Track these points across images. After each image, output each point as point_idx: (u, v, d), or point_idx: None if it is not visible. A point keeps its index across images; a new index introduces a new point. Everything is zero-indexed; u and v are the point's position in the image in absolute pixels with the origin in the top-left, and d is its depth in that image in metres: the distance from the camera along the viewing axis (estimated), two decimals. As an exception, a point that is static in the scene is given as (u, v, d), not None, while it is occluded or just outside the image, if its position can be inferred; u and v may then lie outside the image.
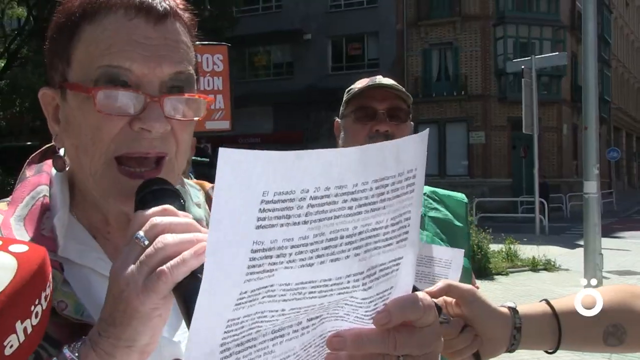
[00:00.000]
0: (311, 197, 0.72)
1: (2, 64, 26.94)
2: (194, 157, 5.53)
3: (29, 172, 1.09)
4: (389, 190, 0.80)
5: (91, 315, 0.94)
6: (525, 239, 15.39)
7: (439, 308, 1.11)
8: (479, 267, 12.07)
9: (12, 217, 1.00)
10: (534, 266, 13.44)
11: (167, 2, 1.01)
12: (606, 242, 12.04)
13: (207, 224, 1.14)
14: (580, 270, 10.44)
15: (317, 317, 0.84)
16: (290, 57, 35.20)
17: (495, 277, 12.62)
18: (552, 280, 12.13)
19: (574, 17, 33.38)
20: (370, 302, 0.86)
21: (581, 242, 11.61)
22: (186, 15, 1.05)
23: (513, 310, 1.28)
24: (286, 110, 32.85)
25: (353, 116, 2.11)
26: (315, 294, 0.79)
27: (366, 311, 0.87)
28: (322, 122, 31.42)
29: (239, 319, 0.73)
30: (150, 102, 0.96)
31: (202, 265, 0.70)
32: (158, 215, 0.84)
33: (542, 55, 19.85)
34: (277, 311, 0.77)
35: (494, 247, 13.91)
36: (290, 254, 0.73)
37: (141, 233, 0.82)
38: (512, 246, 14.29)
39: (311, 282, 0.77)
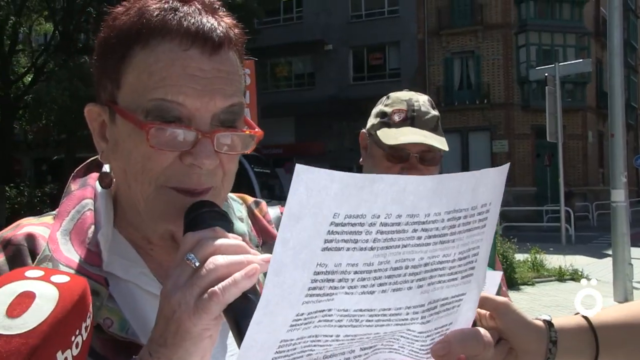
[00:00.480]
0: (381, 223, 0.70)
1: (30, 79, 27.47)
2: (256, 169, 5.60)
3: (74, 186, 1.10)
4: (460, 223, 0.78)
5: (135, 332, 0.95)
6: (551, 249, 15.22)
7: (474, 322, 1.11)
8: (505, 277, 11.94)
9: (59, 231, 1.01)
10: (561, 276, 13.26)
11: (221, 28, 0.98)
12: (635, 251, 11.85)
13: (250, 239, 1.15)
14: (609, 281, 10.28)
15: (370, 347, 0.82)
16: (311, 67, 35.39)
17: (521, 287, 12.47)
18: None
19: (599, 23, 33.15)
20: (427, 336, 0.85)
21: (609, 252, 11.46)
22: (237, 33, 1.03)
23: (548, 323, 1.25)
24: (308, 121, 32.97)
25: (383, 152, 2.08)
26: (373, 322, 0.77)
27: (422, 345, 0.86)
28: (344, 132, 31.47)
29: (292, 340, 0.72)
30: (202, 139, 0.95)
31: (254, 286, 0.71)
32: (208, 237, 0.85)
33: (566, 63, 19.69)
34: (331, 336, 0.76)
35: (520, 256, 13.75)
36: (353, 280, 0.71)
37: (192, 254, 0.83)
38: (537, 256, 14.13)
39: (370, 310, 0.75)
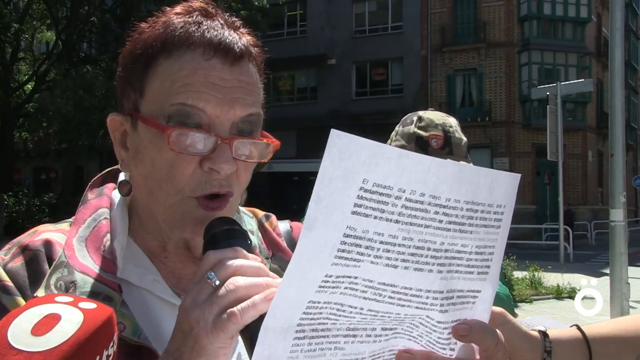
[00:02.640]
0: (406, 198, 0.73)
1: (30, 87, 27.46)
2: None
3: (91, 195, 1.12)
4: (478, 216, 0.81)
5: (148, 337, 0.96)
6: (549, 267, 15.19)
7: None
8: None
9: (75, 237, 1.03)
10: (559, 294, 13.25)
11: (242, 42, 1.02)
12: (633, 271, 11.83)
13: (260, 251, 1.17)
14: (607, 299, 10.26)
15: (391, 329, 0.85)
16: (314, 81, 35.42)
17: (519, 304, 12.44)
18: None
19: (600, 43, 33.25)
20: (445, 328, 0.87)
21: (607, 271, 11.42)
22: (257, 51, 1.07)
23: (543, 333, 1.27)
24: (310, 135, 32.94)
25: None
26: (395, 300, 0.80)
27: (439, 337, 0.88)
28: (345, 146, 31.39)
29: (319, 302, 0.75)
30: (221, 144, 0.97)
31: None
32: (229, 257, 0.86)
33: (568, 82, 19.73)
34: (355, 308, 0.78)
35: (518, 274, 13.73)
36: (378, 249, 0.74)
37: (213, 273, 0.84)
38: (536, 273, 14.11)
39: (392, 285, 0.78)
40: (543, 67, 31.23)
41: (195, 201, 0.99)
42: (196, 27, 1.00)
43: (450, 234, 0.79)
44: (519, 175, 0.86)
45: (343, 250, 0.72)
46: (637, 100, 41.68)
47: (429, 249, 0.78)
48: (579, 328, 1.33)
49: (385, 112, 27.75)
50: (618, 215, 10.12)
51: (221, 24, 1.03)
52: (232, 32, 1.02)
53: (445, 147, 2.13)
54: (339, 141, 0.69)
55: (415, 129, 2.18)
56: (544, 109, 19.47)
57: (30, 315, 0.79)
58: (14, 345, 0.74)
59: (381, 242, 0.74)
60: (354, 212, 0.71)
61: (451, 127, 2.18)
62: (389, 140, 2.25)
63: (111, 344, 0.82)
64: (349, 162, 0.69)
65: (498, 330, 0.91)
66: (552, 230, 25.09)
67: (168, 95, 0.97)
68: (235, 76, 1.00)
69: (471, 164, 2.08)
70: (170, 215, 1.01)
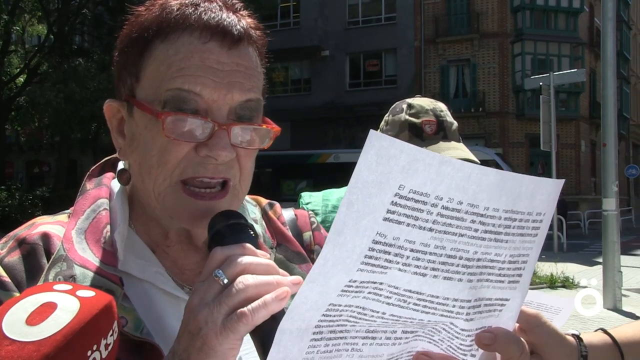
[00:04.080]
0: (443, 206, 0.71)
1: (22, 80, 27.28)
2: None
3: (89, 185, 1.09)
4: (516, 225, 0.78)
5: (150, 332, 0.93)
6: (543, 256, 15.23)
7: None
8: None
9: (74, 229, 1.00)
10: (552, 283, 13.28)
11: (241, 24, 0.99)
12: (625, 259, 11.89)
13: (264, 240, 1.14)
14: (599, 288, 10.32)
15: (412, 332, 0.83)
16: (308, 73, 35.31)
17: (513, 294, 12.49)
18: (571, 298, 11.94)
19: (593, 33, 33.24)
20: (468, 335, 0.85)
21: (600, 260, 11.48)
22: (258, 34, 1.04)
23: (578, 338, 1.26)
24: (304, 127, 32.91)
25: None
26: (419, 307, 0.78)
27: (461, 344, 0.86)
28: (340, 138, 31.44)
29: (340, 306, 0.73)
30: (218, 130, 0.94)
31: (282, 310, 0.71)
32: (238, 254, 0.83)
33: (561, 72, 19.71)
34: (377, 312, 0.76)
35: (512, 264, 13.74)
36: (408, 257, 0.72)
37: (221, 271, 0.81)
38: (530, 263, 14.13)
39: (419, 293, 0.76)
40: (536, 58, 31.21)
41: (184, 192, 0.96)
42: (193, 9, 0.97)
43: (485, 243, 0.76)
44: (562, 181, 0.83)
45: (370, 257, 0.70)
46: (629, 90, 41.75)
47: (460, 258, 0.75)
48: (605, 332, 1.32)
49: (379, 103, 27.65)
50: (610, 204, 10.18)
51: (219, 5, 0.99)
52: (230, 14, 0.99)
53: (439, 132, 2.12)
54: (377, 143, 0.65)
55: (407, 117, 2.16)
56: (537, 100, 19.49)
57: (27, 304, 0.77)
58: (8, 334, 0.74)
59: (411, 250, 0.71)
60: (385, 219, 0.68)
61: (442, 111, 2.16)
62: (379, 130, 2.24)
63: (110, 332, 0.80)
64: (387, 167, 0.66)
65: (523, 340, 0.88)
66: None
67: (163, 80, 0.95)
68: (233, 59, 0.96)
69: (463, 145, 2.10)
70: (163, 204, 0.98)
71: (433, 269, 0.74)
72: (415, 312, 0.78)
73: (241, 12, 1.03)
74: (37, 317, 0.76)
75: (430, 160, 0.68)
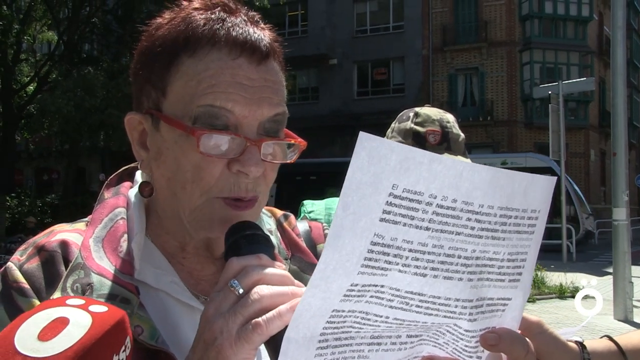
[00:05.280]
0: (437, 204, 0.71)
1: (32, 89, 27.50)
2: None
3: (107, 194, 1.10)
4: (511, 222, 0.79)
5: (165, 341, 0.94)
6: (552, 266, 15.17)
7: None
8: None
9: (91, 238, 1.00)
10: (562, 293, 13.22)
11: (266, 40, 0.99)
12: (636, 270, 11.82)
13: (279, 251, 1.14)
14: (610, 299, 10.25)
15: (416, 336, 0.83)
16: (315, 81, 35.44)
17: (522, 304, 12.44)
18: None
19: (602, 42, 33.22)
20: (472, 337, 0.85)
21: (610, 270, 11.42)
22: (278, 47, 1.04)
23: (581, 344, 1.24)
24: (311, 135, 32.72)
25: None
26: (422, 308, 0.78)
27: (466, 345, 0.86)
28: (347, 147, 31.44)
29: (343, 311, 0.73)
30: (250, 146, 0.95)
31: None
32: (253, 264, 0.84)
33: (570, 81, 19.70)
34: (381, 317, 0.77)
35: (521, 273, 13.69)
36: (407, 257, 0.72)
37: (236, 281, 0.82)
38: (539, 273, 14.08)
39: (420, 294, 0.76)
40: (545, 66, 31.23)
41: (222, 201, 0.97)
42: (220, 24, 0.97)
43: (482, 241, 0.76)
44: (555, 179, 0.83)
45: (370, 259, 0.70)
46: (639, 99, 41.64)
47: (459, 257, 0.76)
48: (610, 339, 1.30)
49: (386, 112, 27.66)
50: (621, 214, 10.12)
51: (244, 20, 0.99)
52: (255, 29, 0.99)
53: (442, 143, 2.10)
54: (368, 144, 0.65)
55: (412, 125, 2.16)
56: (546, 108, 19.47)
57: (39, 319, 0.77)
58: (20, 350, 0.73)
59: (410, 250, 0.72)
60: (382, 219, 0.68)
61: (449, 122, 2.15)
62: (385, 137, 2.23)
63: (123, 348, 0.79)
64: (378, 167, 0.66)
65: (528, 339, 0.88)
66: (555, 230, 25.08)
67: (194, 96, 0.94)
68: (262, 75, 0.97)
69: (469, 160, 2.07)
70: (197, 217, 0.98)
71: (433, 269, 0.74)
72: (418, 314, 0.78)
73: (262, 26, 1.03)
74: (49, 332, 0.75)
75: (420, 158, 0.68)
